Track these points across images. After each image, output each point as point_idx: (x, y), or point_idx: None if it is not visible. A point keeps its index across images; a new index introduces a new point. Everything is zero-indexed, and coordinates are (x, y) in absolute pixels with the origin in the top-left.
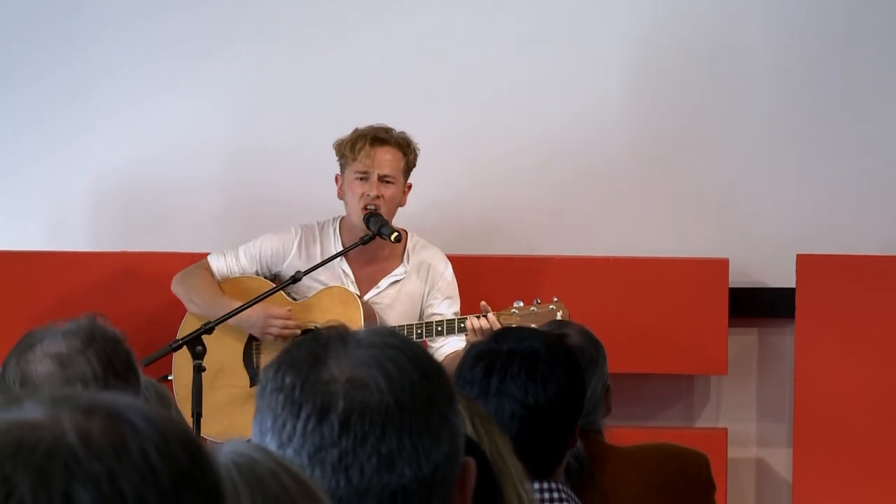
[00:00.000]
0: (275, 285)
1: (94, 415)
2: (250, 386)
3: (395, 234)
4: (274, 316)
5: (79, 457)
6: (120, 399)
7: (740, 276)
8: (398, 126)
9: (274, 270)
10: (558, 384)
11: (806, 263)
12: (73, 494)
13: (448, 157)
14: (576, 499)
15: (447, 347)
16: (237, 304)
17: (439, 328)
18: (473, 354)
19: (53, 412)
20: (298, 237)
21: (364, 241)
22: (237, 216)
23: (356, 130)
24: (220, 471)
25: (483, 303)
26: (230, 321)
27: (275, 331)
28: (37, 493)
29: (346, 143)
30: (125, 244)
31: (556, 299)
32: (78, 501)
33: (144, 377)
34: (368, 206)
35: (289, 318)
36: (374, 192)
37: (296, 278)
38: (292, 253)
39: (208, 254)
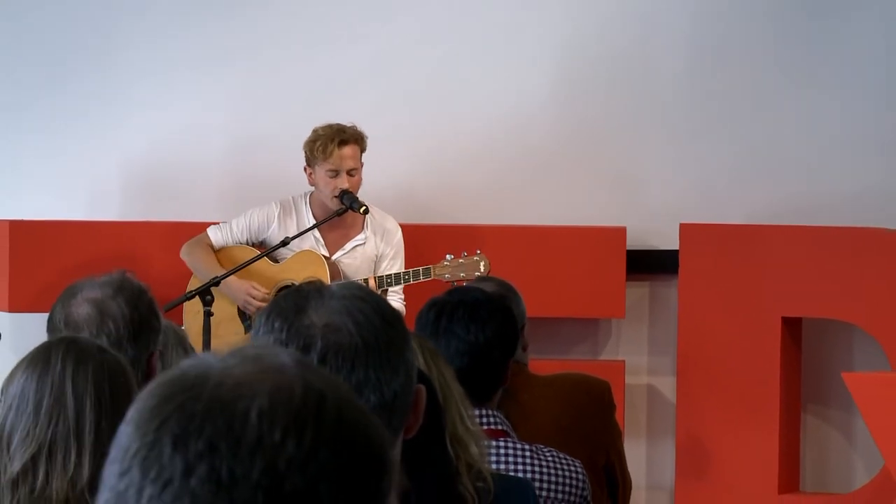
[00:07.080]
0: (259, 252)
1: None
2: (245, 333)
3: (363, 207)
4: (252, 296)
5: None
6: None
7: (635, 241)
8: (366, 118)
9: (260, 238)
10: (495, 326)
11: (687, 230)
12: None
13: (404, 144)
14: (507, 423)
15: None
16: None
17: (390, 280)
18: (429, 304)
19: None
20: (278, 210)
21: (339, 213)
22: (239, 192)
23: (318, 132)
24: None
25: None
26: (221, 289)
27: (251, 308)
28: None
29: (316, 146)
30: (148, 215)
31: (479, 252)
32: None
33: (164, 320)
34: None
35: (264, 301)
36: (345, 186)
37: (284, 242)
38: (274, 223)
39: (212, 223)
